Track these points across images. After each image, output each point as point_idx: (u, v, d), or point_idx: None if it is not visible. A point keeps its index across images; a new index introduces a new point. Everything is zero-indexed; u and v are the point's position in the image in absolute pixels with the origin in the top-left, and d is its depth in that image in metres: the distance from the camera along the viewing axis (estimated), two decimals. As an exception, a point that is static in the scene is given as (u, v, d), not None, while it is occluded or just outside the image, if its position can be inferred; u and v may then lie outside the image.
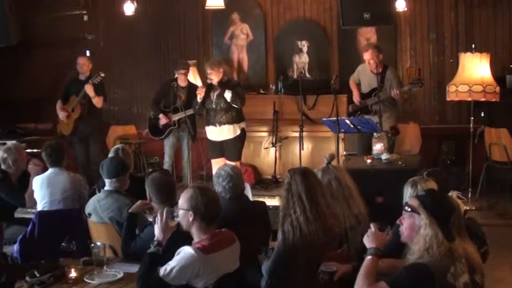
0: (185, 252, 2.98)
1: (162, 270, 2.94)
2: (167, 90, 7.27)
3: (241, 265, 3.24)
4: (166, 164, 7.50)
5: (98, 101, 7.29)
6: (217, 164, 6.49)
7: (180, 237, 3.18)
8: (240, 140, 6.78)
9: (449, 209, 2.75)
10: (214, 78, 6.59)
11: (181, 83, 7.30)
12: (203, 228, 3.09)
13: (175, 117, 7.21)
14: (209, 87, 6.70)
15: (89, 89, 7.19)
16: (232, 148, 6.75)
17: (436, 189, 3.40)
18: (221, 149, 6.79)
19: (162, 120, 7.26)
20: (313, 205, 3.23)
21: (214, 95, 6.68)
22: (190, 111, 7.02)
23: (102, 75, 7.22)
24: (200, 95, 6.68)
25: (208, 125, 6.80)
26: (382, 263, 2.84)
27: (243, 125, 6.78)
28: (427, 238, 2.63)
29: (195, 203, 3.07)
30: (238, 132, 6.73)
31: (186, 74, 7.33)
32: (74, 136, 7.49)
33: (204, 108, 6.77)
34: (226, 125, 6.67)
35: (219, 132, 6.73)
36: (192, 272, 2.96)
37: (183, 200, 3.12)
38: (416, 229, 2.69)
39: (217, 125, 6.69)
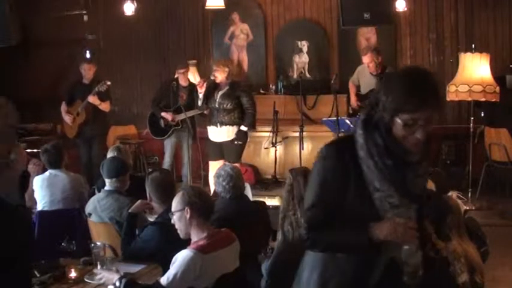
0: (183, 256, 2.95)
1: (165, 280, 2.91)
2: (167, 90, 7.23)
3: (241, 265, 3.23)
4: (167, 163, 7.42)
5: (105, 107, 7.31)
6: (214, 167, 6.36)
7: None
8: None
9: (444, 210, 2.74)
10: (219, 76, 6.52)
11: (183, 82, 7.25)
12: (201, 225, 3.07)
13: (179, 117, 7.09)
14: (213, 86, 6.65)
15: (93, 100, 7.18)
16: (231, 150, 6.65)
17: (434, 190, 3.40)
18: (220, 150, 6.71)
19: (167, 117, 7.16)
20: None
21: (218, 95, 6.60)
22: (192, 112, 7.00)
23: (108, 83, 7.19)
24: (201, 88, 6.64)
25: (210, 125, 6.73)
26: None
27: None
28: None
29: (188, 197, 3.08)
30: None
31: (185, 74, 7.30)
32: (78, 138, 7.49)
33: (207, 107, 6.70)
34: (227, 126, 6.59)
35: (218, 133, 6.66)
36: (194, 273, 2.92)
37: (175, 203, 3.12)
38: None
39: (218, 125, 6.62)
